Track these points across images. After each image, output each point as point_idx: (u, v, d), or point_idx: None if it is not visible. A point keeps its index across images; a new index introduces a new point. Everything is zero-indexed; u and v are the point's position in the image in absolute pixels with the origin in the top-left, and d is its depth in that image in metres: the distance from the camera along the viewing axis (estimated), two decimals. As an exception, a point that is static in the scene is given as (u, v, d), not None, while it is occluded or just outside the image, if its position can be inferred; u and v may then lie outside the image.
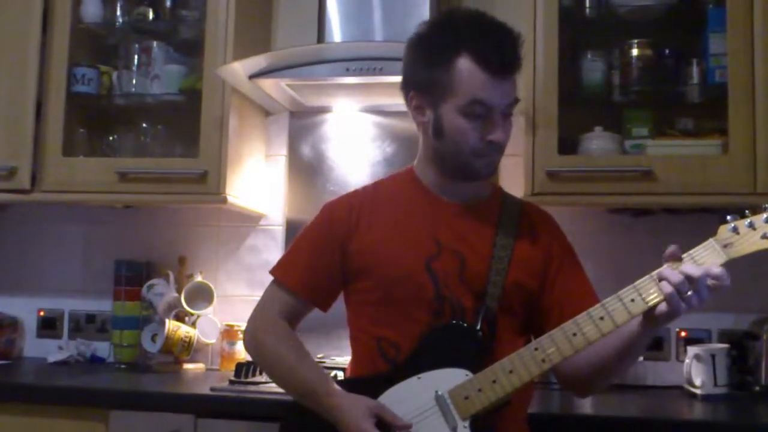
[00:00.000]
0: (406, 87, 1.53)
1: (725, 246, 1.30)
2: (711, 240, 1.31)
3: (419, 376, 1.40)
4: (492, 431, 1.38)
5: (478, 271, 1.47)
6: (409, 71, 1.53)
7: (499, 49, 1.43)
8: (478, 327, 1.42)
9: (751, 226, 1.30)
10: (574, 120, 2.17)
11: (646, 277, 1.31)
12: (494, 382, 1.35)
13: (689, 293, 1.27)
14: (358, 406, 1.38)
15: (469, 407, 1.35)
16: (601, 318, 1.32)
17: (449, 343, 1.42)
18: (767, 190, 1.96)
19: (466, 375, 1.37)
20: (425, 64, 1.48)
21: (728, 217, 1.32)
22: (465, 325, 1.43)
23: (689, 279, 1.26)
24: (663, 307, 1.28)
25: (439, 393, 1.37)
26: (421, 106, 1.50)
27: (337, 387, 1.44)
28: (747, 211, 1.32)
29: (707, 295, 1.28)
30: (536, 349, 1.34)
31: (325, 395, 1.43)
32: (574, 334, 1.32)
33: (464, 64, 1.42)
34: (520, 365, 1.34)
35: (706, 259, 1.30)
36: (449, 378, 1.38)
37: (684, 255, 1.31)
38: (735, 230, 1.31)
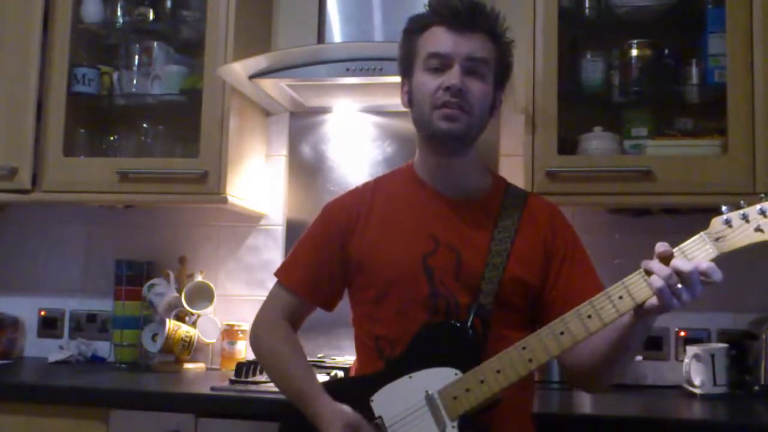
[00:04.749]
0: (400, 77, 1.57)
1: (717, 239, 1.24)
2: (702, 233, 1.25)
3: (411, 375, 1.39)
4: (484, 430, 1.38)
5: (474, 267, 1.46)
6: (398, 61, 1.57)
7: (455, 6, 1.47)
8: (469, 325, 1.41)
9: (745, 218, 1.23)
10: (573, 120, 2.18)
11: (635, 273, 1.27)
12: (482, 382, 1.34)
13: (680, 287, 1.22)
14: (337, 422, 1.39)
15: (458, 407, 1.35)
16: (589, 316, 1.28)
17: (441, 342, 1.41)
18: (766, 189, 1.95)
19: (456, 374, 1.36)
20: (404, 47, 1.54)
21: (723, 208, 1.25)
22: (456, 323, 1.42)
23: (678, 273, 1.21)
24: (654, 301, 1.24)
25: (430, 393, 1.37)
26: (407, 88, 1.54)
27: (323, 395, 1.45)
28: (742, 202, 1.25)
29: (700, 290, 1.23)
30: (524, 348, 1.32)
31: (311, 403, 1.45)
32: (561, 333, 1.30)
33: (429, 31, 1.49)
34: (507, 365, 1.33)
35: (696, 253, 1.24)
36: (439, 377, 1.37)
37: (675, 249, 1.26)
38: (728, 223, 1.24)
